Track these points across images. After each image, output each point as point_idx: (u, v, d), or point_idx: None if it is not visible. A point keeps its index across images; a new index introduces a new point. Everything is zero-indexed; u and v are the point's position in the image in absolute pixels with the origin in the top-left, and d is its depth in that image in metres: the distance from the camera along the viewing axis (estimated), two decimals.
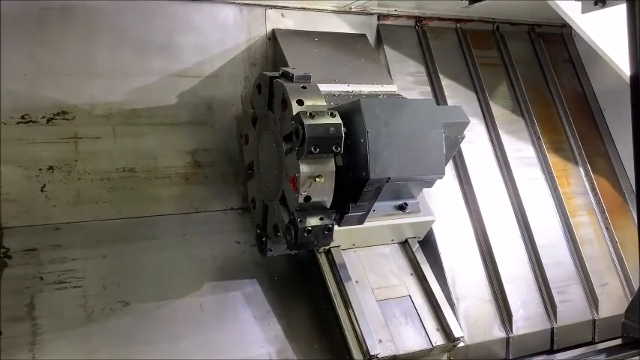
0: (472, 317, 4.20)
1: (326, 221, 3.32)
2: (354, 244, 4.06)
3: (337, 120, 3.18)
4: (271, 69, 4.23)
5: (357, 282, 3.90)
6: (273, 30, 4.34)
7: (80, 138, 3.85)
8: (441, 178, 3.58)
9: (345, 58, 4.29)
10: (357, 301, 3.80)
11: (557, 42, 5.78)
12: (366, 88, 4.09)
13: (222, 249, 4.02)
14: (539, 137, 5.20)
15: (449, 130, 3.60)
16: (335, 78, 4.07)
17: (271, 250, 3.82)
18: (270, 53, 4.34)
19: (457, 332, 3.90)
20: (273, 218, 3.64)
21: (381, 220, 3.94)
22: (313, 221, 3.29)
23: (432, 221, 4.18)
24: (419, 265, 4.13)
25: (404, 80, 4.69)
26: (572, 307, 4.62)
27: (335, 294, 3.83)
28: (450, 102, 4.81)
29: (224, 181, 4.21)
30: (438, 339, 3.87)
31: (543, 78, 5.57)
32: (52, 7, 3.77)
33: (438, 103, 4.74)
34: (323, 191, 3.28)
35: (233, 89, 4.26)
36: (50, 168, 3.77)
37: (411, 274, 4.11)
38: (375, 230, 3.98)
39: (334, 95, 3.88)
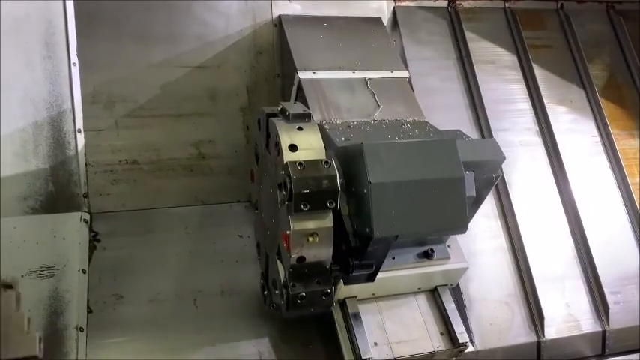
0: (485, 321, 3.89)
1: (323, 285, 2.96)
2: (373, 294, 3.56)
3: (332, 171, 2.79)
4: (278, 58, 4.11)
5: (375, 344, 3.48)
6: (279, 16, 4.18)
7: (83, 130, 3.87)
8: (462, 232, 3.06)
9: (355, 43, 4.06)
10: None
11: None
12: (373, 75, 3.85)
13: (224, 243, 3.92)
14: (605, 123, 4.80)
15: (480, 169, 3.14)
16: (340, 65, 3.87)
17: (273, 307, 3.46)
18: (276, 41, 4.19)
19: (463, 337, 3.54)
20: (272, 272, 3.33)
21: (403, 270, 3.45)
22: (308, 286, 2.95)
23: (465, 268, 3.60)
24: (449, 318, 3.59)
25: (421, 65, 4.41)
26: (629, 309, 4.24)
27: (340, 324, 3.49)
28: (485, 87, 4.47)
29: (229, 174, 4.12)
30: (440, 344, 3.53)
31: (622, 58, 5.11)
32: None
33: (469, 88, 4.39)
34: (319, 250, 2.90)
35: (238, 79, 4.15)
36: None
37: (441, 334, 3.59)
38: (396, 280, 3.48)
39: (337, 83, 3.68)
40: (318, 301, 2.98)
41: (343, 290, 3.31)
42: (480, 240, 4.12)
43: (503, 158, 3.20)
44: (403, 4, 4.58)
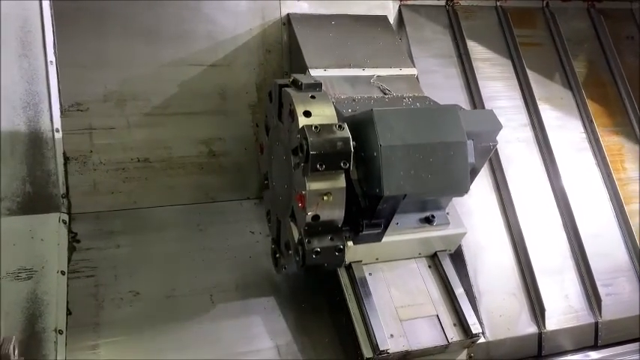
0: (495, 312, 3.98)
1: (336, 242, 3.12)
2: (377, 259, 3.73)
3: (345, 134, 2.97)
4: (287, 55, 4.16)
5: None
6: (288, 14, 4.23)
7: (95, 129, 3.88)
8: (463, 194, 3.30)
9: (363, 41, 4.13)
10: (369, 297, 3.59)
11: (621, 18, 5.46)
12: (382, 72, 3.93)
13: (236, 239, 3.97)
14: (591, 120, 4.92)
15: (478, 138, 3.31)
16: (350, 62, 3.94)
17: (285, 268, 3.64)
18: (285, 39, 4.24)
19: (476, 328, 3.66)
20: (285, 235, 3.47)
21: (406, 234, 3.60)
22: (322, 242, 3.10)
23: (463, 234, 3.81)
24: (448, 281, 3.79)
25: (427, 63, 4.49)
26: (620, 300, 4.35)
27: (346, 286, 3.64)
28: (483, 84, 4.59)
29: (239, 171, 4.16)
30: (454, 335, 3.64)
31: (603, 56, 5.26)
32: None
33: (468, 86, 4.52)
34: (333, 209, 3.06)
35: (247, 77, 4.18)
36: (66, 159, 3.80)
37: (440, 292, 3.80)
38: (399, 244, 3.65)
39: (347, 80, 3.74)
40: (331, 257, 3.14)
41: (350, 254, 3.44)
42: (486, 234, 4.22)
43: (501, 127, 3.39)
44: (408, 2, 4.65)
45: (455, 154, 3.15)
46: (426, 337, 3.61)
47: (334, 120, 3.04)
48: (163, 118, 4.02)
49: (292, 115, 3.10)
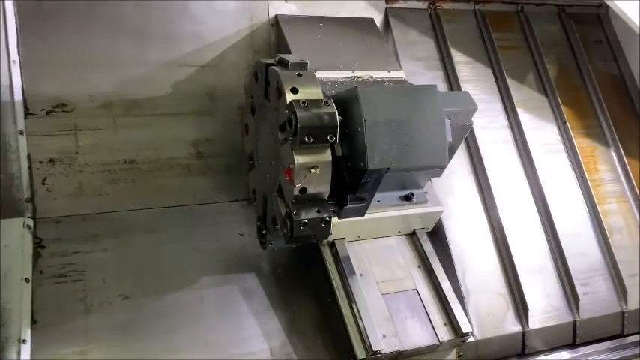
0: (483, 311, 4.05)
1: (323, 214, 3.20)
2: (359, 236, 3.92)
3: (332, 109, 3.07)
4: (274, 57, 4.11)
5: (361, 275, 3.77)
6: (276, 15, 4.21)
7: (80, 130, 3.80)
8: (444, 167, 3.47)
9: (351, 43, 4.15)
10: (361, 295, 3.66)
11: (589, 22, 5.57)
12: (371, 74, 3.93)
13: (225, 241, 3.95)
14: (565, 122, 5.01)
15: (455, 117, 3.49)
16: (339, 64, 3.93)
17: (271, 244, 3.72)
18: (273, 40, 4.22)
19: (466, 327, 3.74)
20: (272, 210, 3.56)
21: (387, 212, 3.81)
22: (309, 214, 3.18)
23: (440, 212, 4.02)
24: (427, 257, 3.97)
25: (414, 65, 4.54)
26: (596, 299, 4.45)
27: (338, 287, 3.70)
28: (464, 87, 4.64)
29: (228, 172, 4.13)
30: (445, 334, 3.72)
31: (574, 60, 5.36)
32: None
33: (451, 89, 4.58)
34: (319, 183, 3.16)
35: (236, 78, 4.15)
36: (51, 161, 3.73)
37: (418, 267, 3.96)
38: (380, 222, 3.84)
39: (337, 82, 3.75)
40: (318, 228, 3.20)
41: (333, 230, 3.49)
42: (472, 234, 4.29)
43: (476, 107, 3.59)
44: (394, 5, 4.68)
45: (434, 129, 3.34)
46: (418, 336, 3.68)
47: (320, 96, 3.14)
48: (151, 118, 3.96)
49: (279, 92, 3.20)
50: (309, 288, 3.89)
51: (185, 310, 3.62)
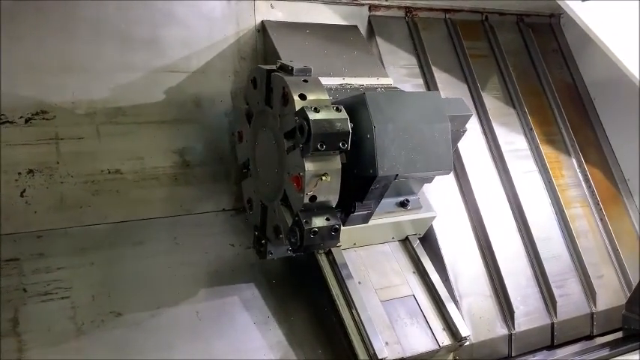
0: (476, 314, 4.08)
1: (332, 222, 3.17)
2: (354, 244, 3.88)
3: (343, 115, 3.04)
4: (262, 62, 4.06)
5: (359, 283, 3.72)
6: (262, 22, 4.15)
7: (62, 139, 3.62)
8: (448, 173, 3.50)
9: (338, 50, 4.13)
10: (361, 303, 3.62)
11: (545, 32, 5.71)
12: (361, 81, 3.94)
13: (216, 252, 3.83)
14: (531, 129, 5.11)
15: (452, 123, 3.48)
16: (330, 71, 3.91)
17: (271, 253, 3.64)
18: (260, 46, 4.15)
19: (464, 331, 3.77)
20: (274, 220, 3.47)
21: (383, 218, 3.78)
22: (319, 222, 3.14)
23: (433, 217, 4.04)
24: (421, 262, 3.97)
25: (397, 73, 4.54)
26: (571, 301, 4.53)
27: (338, 296, 3.66)
28: (443, 95, 4.63)
29: (215, 181, 4.02)
30: (444, 339, 3.73)
31: (533, 68, 5.49)
32: None
33: None
34: (329, 190, 3.14)
35: (222, 84, 4.06)
36: (30, 171, 3.54)
37: (414, 272, 3.95)
38: (376, 228, 3.80)
39: (331, 89, 3.69)
40: (327, 236, 3.19)
41: None
42: (460, 238, 4.32)
43: (471, 114, 3.67)
44: (377, 13, 4.68)
45: (439, 135, 3.34)
46: (419, 342, 3.68)
47: (329, 102, 3.10)
48: (135, 126, 3.81)
49: (285, 98, 3.14)
50: (305, 297, 3.82)
51: (181, 325, 3.49)
